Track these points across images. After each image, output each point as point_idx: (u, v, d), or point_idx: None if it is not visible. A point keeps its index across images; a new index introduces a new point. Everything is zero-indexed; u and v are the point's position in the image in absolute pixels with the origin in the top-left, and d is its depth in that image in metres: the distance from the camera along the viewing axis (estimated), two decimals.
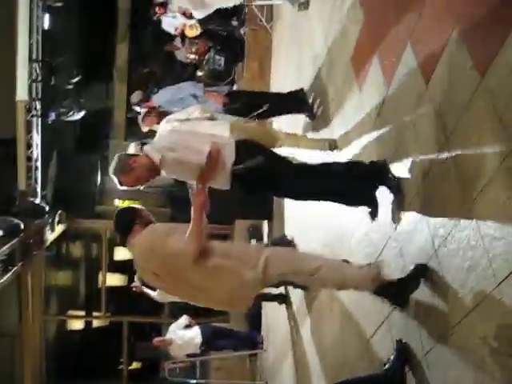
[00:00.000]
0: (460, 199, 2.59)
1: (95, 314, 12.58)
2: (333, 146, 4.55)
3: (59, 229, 10.41)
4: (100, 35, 12.08)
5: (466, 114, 2.58)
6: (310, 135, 5.21)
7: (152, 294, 7.32)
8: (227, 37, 9.54)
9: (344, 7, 4.59)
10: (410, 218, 3.17)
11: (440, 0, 2.95)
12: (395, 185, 3.32)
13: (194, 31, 9.04)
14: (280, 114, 5.61)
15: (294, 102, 5.39)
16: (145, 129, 5.55)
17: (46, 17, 9.60)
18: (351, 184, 3.54)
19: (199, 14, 6.17)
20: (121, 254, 12.41)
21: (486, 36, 2.49)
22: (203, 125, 4.07)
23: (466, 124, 2.59)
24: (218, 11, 7.43)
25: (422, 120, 3.07)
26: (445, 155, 2.76)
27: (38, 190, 9.65)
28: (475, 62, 2.53)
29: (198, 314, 8.14)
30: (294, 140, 4.75)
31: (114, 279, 13.02)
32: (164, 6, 8.49)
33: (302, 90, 5.42)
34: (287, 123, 5.80)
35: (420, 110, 3.08)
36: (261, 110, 4.85)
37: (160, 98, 5.82)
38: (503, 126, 2.27)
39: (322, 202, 3.82)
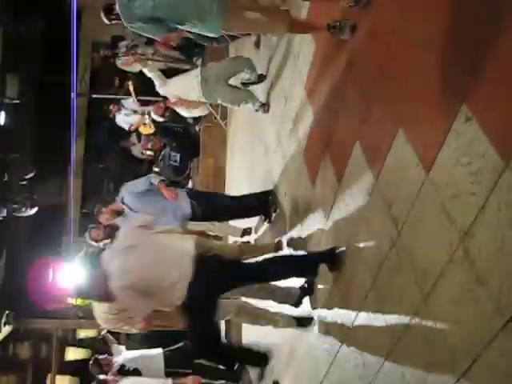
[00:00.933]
0: (414, 293, 2.60)
1: None
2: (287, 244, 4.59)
3: (6, 330, 9.91)
4: (56, 131, 12.13)
5: (415, 208, 2.65)
6: (263, 234, 5.31)
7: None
8: (183, 133, 9.74)
9: (294, 106, 4.77)
10: (364, 315, 3.16)
11: (385, 100, 3.10)
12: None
13: (148, 129, 9.19)
14: (243, 217, 5.65)
15: (259, 204, 5.38)
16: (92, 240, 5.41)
17: (2, 114, 9.64)
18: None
19: (163, 92, 6.30)
20: (72, 354, 11.83)
21: (429, 133, 2.61)
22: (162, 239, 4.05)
23: (416, 217, 2.65)
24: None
25: (373, 214, 3.12)
26: (397, 248, 2.80)
27: None
28: (420, 158, 2.63)
29: None
30: (253, 249, 4.82)
31: (65, 382, 12.32)
32: (118, 103, 8.64)
33: (271, 191, 5.36)
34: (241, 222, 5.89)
35: (371, 204, 3.15)
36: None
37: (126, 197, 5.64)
38: (450, 220, 2.33)
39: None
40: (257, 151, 6.21)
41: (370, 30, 3.38)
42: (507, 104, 2.08)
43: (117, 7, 3.73)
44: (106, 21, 6.11)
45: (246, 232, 5.94)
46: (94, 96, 10.55)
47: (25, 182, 10.25)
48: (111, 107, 8.83)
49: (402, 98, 2.89)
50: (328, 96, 4.02)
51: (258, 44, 6.38)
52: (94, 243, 5.37)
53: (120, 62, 8.16)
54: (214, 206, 5.42)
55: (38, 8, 10.87)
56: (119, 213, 5.29)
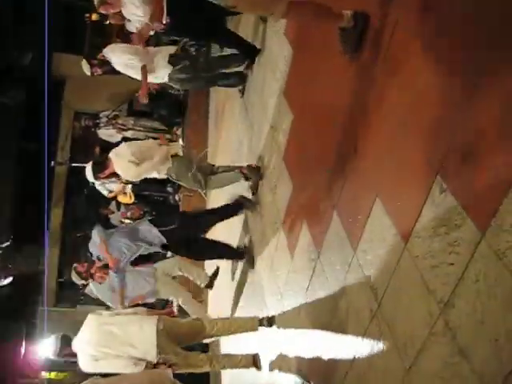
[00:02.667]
0: (396, 367, 2.55)
1: None
2: (270, 322, 4.51)
3: None
4: (34, 199, 12.05)
5: (395, 279, 2.63)
6: (241, 313, 5.29)
7: None
8: (162, 202, 9.73)
9: (274, 175, 4.80)
10: None
11: (361, 170, 3.14)
12: None
13: (127, 199, 9.16)
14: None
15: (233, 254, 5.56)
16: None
17: None
18: None
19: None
20: None
21: (405, 203, 2.63)
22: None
23: (396, 288, 2.63)
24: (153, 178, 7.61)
25: (352, 286, 3.10)
26: (378, 320, 2.76)
27: None
28: (398, 229, 2.64)
29: None
30: (227, 325, 4.75)
31: None
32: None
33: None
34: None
35: (350, 275, 3.13)
36: None
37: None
38: (430, 291, 2.32)
39: None
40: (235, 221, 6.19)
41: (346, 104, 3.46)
42: (479, 175, 2.12)
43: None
44: (87, 71, 6.11)
45: (213, 280, 6.08)
46: (74, 165, 10.57)
47: (0, 251, 10.07)
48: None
49: (379, 168, 2.93)
50: (306, 166, 4.06)
51: (242, 92, 6.43)
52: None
53: (101, 132, 8.24)
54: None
55: (20, 77, 11.03)
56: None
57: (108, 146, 9.50)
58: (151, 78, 5.91)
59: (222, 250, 5.67)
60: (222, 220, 5.51)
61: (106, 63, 5.84)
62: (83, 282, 5.41)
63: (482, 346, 2.01)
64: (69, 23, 13.40)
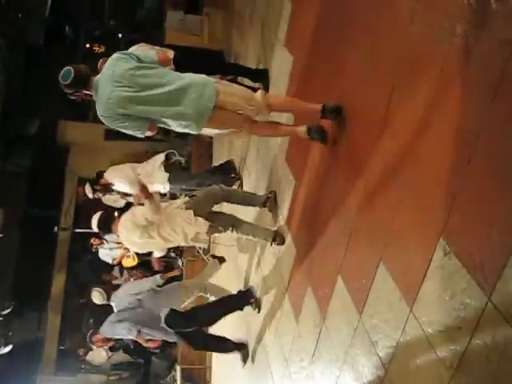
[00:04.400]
0: None
1: None
2: None
3: None
4: (38, 265, 12.02)
5: (402, 344, 2.59)
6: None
7: None
8: (166, 267, 9.68)
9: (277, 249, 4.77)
10: None
11: (364, 232, 3.15)
12: None
13: (131, 261, 9.14)
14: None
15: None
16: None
17: None
18: None
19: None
20: None
21: (409, 266, 2.62)
22: None
23: (403, 354, 2.59)
24: None
25: (359, 351, 3.05)
26: None
27: None
28: (403, 292, 2.62)
29: None
30: None
31: None
32: (99, 237, 8.65)
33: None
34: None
35: (356, 341, 3.08)
36: None
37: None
38: (438, 356, 2.28)
39: None
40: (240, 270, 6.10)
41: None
42: (483, 237, 2.12)
43: None
44: (90, 195, 6.68)
45: None
46: (78, 230, 10.60)
47: (1, 318, 9.96)
48: (92, 240, 8.83)
49: (382, 231, 2.94)
50: (309, 230, 4.06)
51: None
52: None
53: (104, 197, 8.30)
54: None
55: (27, 144, 11.24)
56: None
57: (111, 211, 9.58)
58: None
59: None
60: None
61: (107, 188, 6.30)
62: None
63: None
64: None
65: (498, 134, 2.11)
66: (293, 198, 4.46)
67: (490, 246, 2.09)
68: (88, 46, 16.55)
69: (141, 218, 4.49)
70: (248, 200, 5.00)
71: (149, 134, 3.72)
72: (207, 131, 3.82)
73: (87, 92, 3.67)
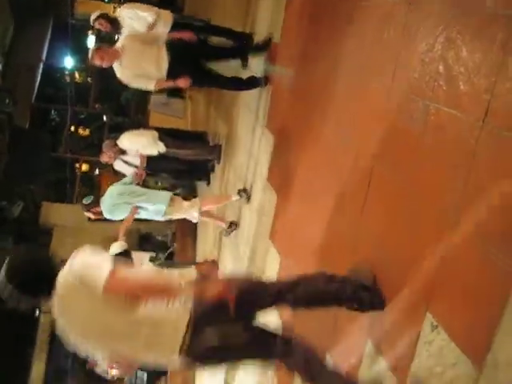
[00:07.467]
0: None
1: None
2: None
3: None
4: (17, 351, 11.64)
5: None
6: None
7: None
8: None
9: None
10: None
11: (352, 314, 3.11)
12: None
13: None
14: None
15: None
16: None
17: None
18: None
19: None
20: None
21: (398, 343, 2.57)
22: None
23: None
24: None
25: None
26: None
27: None
28: (393, 370, 2.57)
29: None
30: None
31: None
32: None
33: None
34: None
35: None
36: None
37: None
38: None
39: None
40: None
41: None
42: (469, 309, 2.11)
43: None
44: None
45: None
46: None
47: None
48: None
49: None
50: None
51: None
52: None
53: None
54: None
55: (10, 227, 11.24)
56: None
57: None
58: None
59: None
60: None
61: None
62: None
63: None
64: (60, 175, 13.93)
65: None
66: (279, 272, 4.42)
67: (476, 317, 2.07)
68: (73, 128, 16.84)
69: None
70: None
71: None
72: None
73: None
